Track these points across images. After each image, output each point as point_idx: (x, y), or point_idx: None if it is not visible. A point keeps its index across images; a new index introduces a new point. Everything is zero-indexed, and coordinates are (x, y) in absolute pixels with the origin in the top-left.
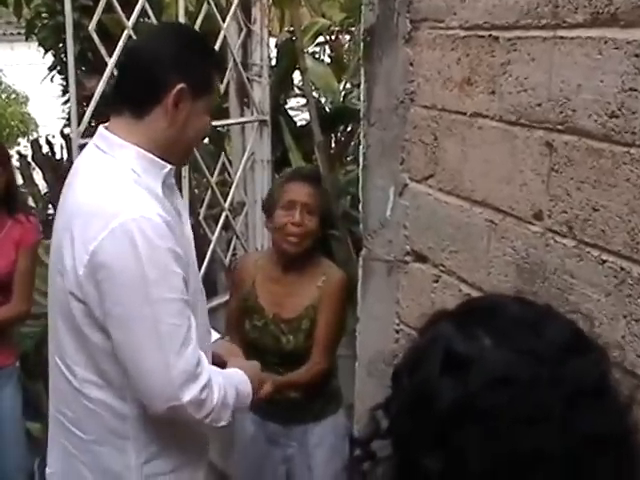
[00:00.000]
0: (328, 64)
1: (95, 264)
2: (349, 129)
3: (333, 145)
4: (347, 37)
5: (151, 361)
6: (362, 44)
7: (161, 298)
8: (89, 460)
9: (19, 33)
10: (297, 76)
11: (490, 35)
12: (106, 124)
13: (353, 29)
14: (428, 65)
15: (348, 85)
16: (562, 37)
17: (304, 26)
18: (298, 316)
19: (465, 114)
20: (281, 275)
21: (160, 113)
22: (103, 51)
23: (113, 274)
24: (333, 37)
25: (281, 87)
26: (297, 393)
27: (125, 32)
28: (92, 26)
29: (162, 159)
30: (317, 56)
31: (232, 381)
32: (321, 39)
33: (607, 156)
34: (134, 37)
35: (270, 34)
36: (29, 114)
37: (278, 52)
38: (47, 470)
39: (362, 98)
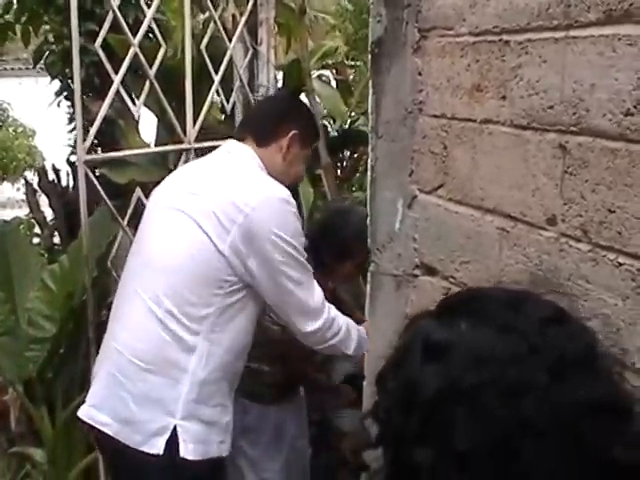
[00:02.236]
0: (335, 88)
1: (252, 221)
2: (356, 155)
3: (340, 170)
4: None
5: (298, 297)
6: (370, 56)
7: (301, 254)
8: (138, 389)
9: (27, 68)
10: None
11: (500, 40)
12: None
13: (357, 63)
14: (437, 74)
15: (353, 114)
16: (574, 37)
17: (311, 49)
18: None
19: (475, 121)
20: None
21: (276, 148)
22: (109, 67)
23: (269, 230)
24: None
25: None
26: None
27: (131, 50)
28: (98, 43)
29: None
30: (324, 79)
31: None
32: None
33: (623, 155)
34: (140, 55)
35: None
36: (36, 147)
37: (284, 74)
38: (84, 406)
39: (370, 110)
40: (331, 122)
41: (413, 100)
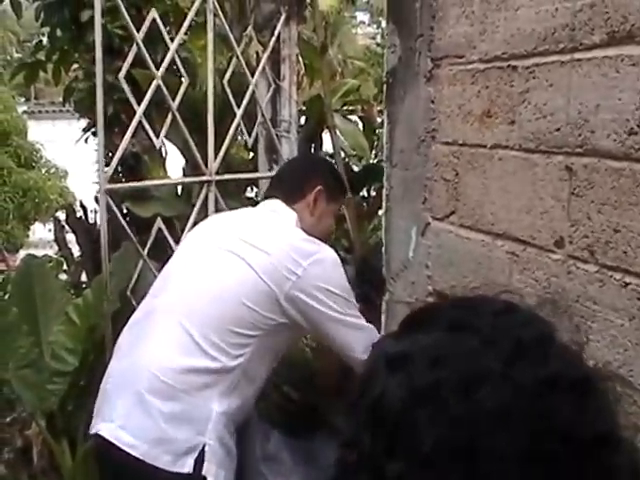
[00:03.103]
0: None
1: (310, 276)
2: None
3: (363, 206)
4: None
5: (353, 334)
6: (384, 86)
7: (351, 300)
8: (170, 408)
9: (61, 111)
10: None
11: (509, 65)
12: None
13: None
14: (449, 101)
15: (380, 154)
16: (579, 59)
17: (333, 86)
18: None
19: (485, 147)
20: None
21: (304, 205)
22: (132, 99)
23: (327, 286)
24: (365, 107)
25: (309, 144)
26: None
27: (154, 82)
28: (121, 75)
29: None
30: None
31: None
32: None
33: (627, 175)
34: (163, 87)
35: (299, 94)
36: (67, 188)
37: (306, 110)
38: (108, 425)
39: (385, 140)
40: (354, 159)
41: (426, 128)
